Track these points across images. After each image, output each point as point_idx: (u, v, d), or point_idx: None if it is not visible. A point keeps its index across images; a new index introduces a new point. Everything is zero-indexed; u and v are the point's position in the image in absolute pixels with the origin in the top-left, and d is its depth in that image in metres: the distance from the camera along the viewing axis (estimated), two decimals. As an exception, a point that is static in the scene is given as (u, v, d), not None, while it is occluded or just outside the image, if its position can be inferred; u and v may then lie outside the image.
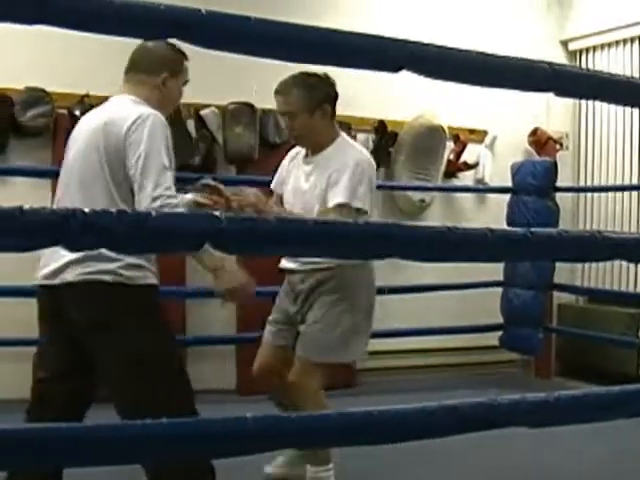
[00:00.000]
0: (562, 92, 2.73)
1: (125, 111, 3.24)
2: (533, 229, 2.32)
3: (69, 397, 3.26)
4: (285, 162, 4.41)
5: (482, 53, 2.42)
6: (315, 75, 4.07)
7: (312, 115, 4.04)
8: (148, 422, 1.97)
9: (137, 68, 3.42)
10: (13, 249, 1.88)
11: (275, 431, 2.06)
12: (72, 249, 1.87)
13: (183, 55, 3.42)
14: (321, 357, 4.03)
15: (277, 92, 4.12)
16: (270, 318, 4.33)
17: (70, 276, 3.10)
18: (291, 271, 4.17)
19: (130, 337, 3.08)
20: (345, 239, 1.99)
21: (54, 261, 3.14)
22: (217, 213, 1.93)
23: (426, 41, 2.33)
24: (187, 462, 2.65)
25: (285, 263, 4.18)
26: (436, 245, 2.16)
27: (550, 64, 2.55)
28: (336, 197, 3.95)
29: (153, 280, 3.22)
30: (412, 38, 2.31)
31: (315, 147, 4.15)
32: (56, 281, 3.14)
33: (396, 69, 2.22)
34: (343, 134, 4.27)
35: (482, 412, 2.30)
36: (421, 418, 2.25)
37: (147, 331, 3.14)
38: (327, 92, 4.12)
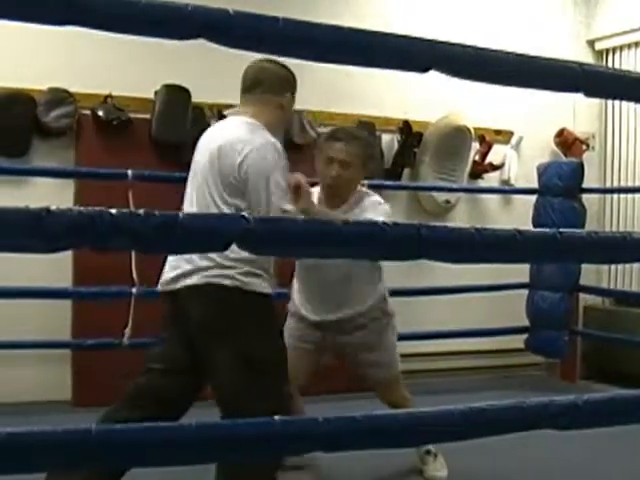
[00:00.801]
0: (592, 92, 2.72)
1: (244, 136, 3.36)
2: (562, 230, 2.31)
3: (177, 394, 3.39)
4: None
5: (511, 53, 2.42)
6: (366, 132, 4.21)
7: (362, 170, 4.18)
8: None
9: (262, 88, 3.50)
10: (39, 250, 1.89)
11: (304, 434, 2.07)
12: (99, 250, 1.88)
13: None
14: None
15: (339, 139, 4.16)
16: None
17: (191, 280, 3.26)
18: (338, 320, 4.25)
19: (246, 342, 3.19)
20: (374, 240, 1.99)
21: (176, 269, 3.33)
22: (245, 214, 1.94)
23: (451, 41, 2.34)
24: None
25: (326, 316, 4.24)
26: (465, 246, 2.16)
27: (580, 64, 2.55)
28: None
29: (269, 290, 3.31)
30: (437, 38, 2.32)
31: (338, 199, 4.20)
32: (177, 286, 3.32)
33: (424, 69, 2.23)
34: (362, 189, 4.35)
35: (511, 414, 2.30)
36: (450, 420, 2.25)
37: (261, 337, 3.25)
38: (374, 152, 4.28)
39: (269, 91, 3.49)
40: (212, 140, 3.50)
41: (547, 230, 2.37)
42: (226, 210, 3.24)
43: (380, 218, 3.82)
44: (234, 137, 3.37)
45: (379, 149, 6.86)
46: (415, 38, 2.20)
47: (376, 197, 4.29)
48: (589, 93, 2.68)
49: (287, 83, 3.55)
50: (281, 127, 3.58)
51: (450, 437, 2.35)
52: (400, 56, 2.19)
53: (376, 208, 4.13)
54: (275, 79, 3.52)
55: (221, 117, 6.46)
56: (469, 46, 2.32)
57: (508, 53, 2.41)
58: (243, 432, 2.02)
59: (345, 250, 2.08)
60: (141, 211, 1.86)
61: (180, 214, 1.87)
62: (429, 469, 4.54)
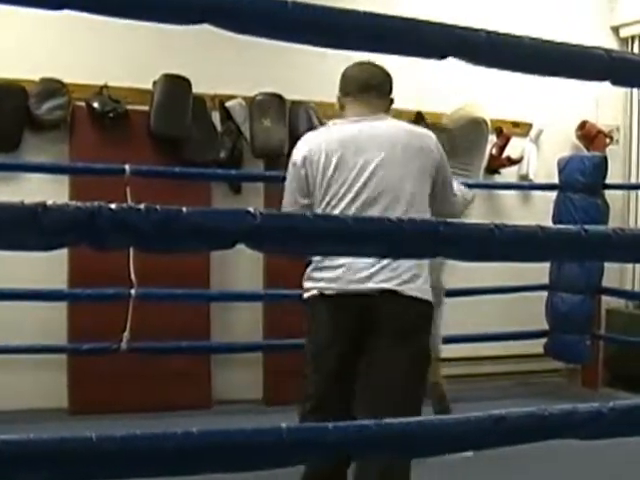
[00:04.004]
0: (619, 81, 2.70)
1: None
2: (587, 227, 2.30)
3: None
4: None
5: (534, 39, 2.39)
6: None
7: None
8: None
9: (381, 91, 3.75)
10: (35, 248, 1.88)
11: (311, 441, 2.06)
12: (98, 248, 1.87)
13: None
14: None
15: None
16: None
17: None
18: None
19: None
20: (389, 237, 1.98)
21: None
22: (251, 209, 1.93)
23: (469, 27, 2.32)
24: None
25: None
26: (484, 243, 2.15)
27: (607, 51, 2.53)
28: None
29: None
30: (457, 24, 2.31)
31: None
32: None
33: (441, 56, 2.21)
34: None
35: (532, 423, 2.28)
36: (467, 429, 2.24)
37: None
38: None
39: (386, 94, 3.79)
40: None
41: (571, 227, 2.36)
42: None
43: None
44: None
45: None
46: (433, 23, 2.18)
47: None
48: (617, 82, 2.66)
49: (391, 87, 3.83)
50: None
51: (468, 446, 2.34)
52: (415, 42, 2.17)
53: None
54: (387, 83, 3.82)
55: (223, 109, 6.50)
56: (490, 31, 2.30)
57: (531, 39, 2.39)
58: (251, 440, 2.02)
59: (357, 247, 2.07)
60: (142, 206, 1.85)
61: (183, 209, 1.86)
62: None
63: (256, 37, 2.07)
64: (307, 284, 3.66)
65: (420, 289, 3.52)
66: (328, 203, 3.58)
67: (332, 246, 2.06)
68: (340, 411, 3.46)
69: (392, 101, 3.80)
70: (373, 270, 3.45)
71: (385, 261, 3.41)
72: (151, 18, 1.95)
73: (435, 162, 3.62)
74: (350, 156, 3.59)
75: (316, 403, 3.66)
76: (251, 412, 6.08)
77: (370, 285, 3.48)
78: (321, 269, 3.56)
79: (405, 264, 3.44)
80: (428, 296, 3.58)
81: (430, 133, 3.74)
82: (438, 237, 2.04)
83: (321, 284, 3.59)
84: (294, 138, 6.55)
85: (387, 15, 2.15)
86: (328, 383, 3.65)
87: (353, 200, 3.55)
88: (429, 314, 3.63)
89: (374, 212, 3.47)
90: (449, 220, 2.14)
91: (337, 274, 3.51)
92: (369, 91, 3.71)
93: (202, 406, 6.23)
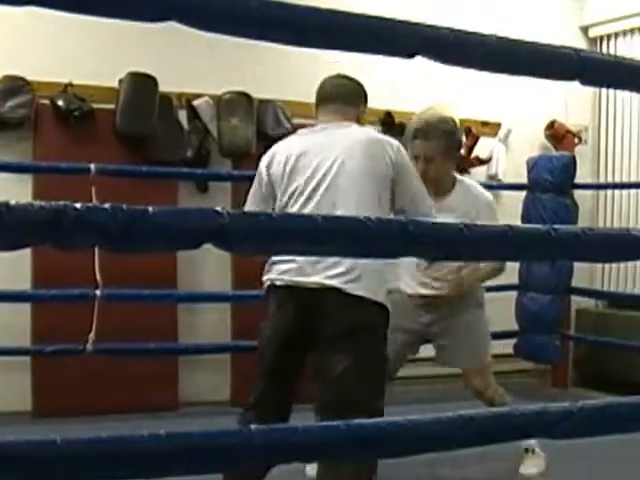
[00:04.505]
0: (588, 81, 2.72)
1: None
2: (556, 226, 2.31)
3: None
4: None
5: (502, 38, 2.41)
6: (452, 120, 4.65)
7: (446, 161, 4.57)
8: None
9: (348, 101, 4.00)
10: (-2, 248, 1.87)
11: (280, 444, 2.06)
12: (63, 248, 1.86)
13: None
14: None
15: (416, 137, 4.58)
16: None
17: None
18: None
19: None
20: (357, 237, 1.98)
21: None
22: (219, 208, 1.92)
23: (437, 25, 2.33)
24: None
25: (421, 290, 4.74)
26: (453, 243, 2.16)
27: (576, 50, 2.54)
28: None
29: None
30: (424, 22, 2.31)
31: (439, 190, 4.57)
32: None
33: (410, 54, 2.21)
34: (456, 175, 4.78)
35: (502, 423, 2.29)
36: (437, 429, 2.24)
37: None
38: (461, 140, 4.87)
39: (350, 104, 4.01)
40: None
41: (539, 226, 2.37)
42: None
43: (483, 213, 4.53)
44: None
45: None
46: (400, 21, 2.18)
47: (474, 185, 4.82)
48: (585, 82, 2.68)
49: (361, 97, 4.09)
50: None
51: (439, 447, 2.34)
52: (383, 40, 2.17)
53: (478, 199, 4.66)
54: (353, 93, 4.07)
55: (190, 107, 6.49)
56: (457, 30, 2.31)
57: (500, 38, 2.40)
58: (219, 442, 2.01)
59: (325, 246, 2.07)
60: (107, 206, 1.84)
61: (149, 209, 1.86)
62: (522, 466, 4.97)
63: (221, 34, 2.06)
64: (264, 276, 3.80)
65: (367, 289, 3.58)
66: (286, 204, 3.74)
67: (300, 245, 2.06)
68: (274, 410, 3.69)
69: (362, 111, 4.04)
70: (319, 266, 3.54)
71: (332, 259, 3.49)
72: (116, 15, 1.94)
73: (393, 168, 3.76)
74: (307, 161, 3.77)
75: (253, 401, 3.82)
76: (218, 414, 6.06)
77: (314, 279, 3.58)
78: (275, 262, 3.70)
79: (349, 263, 3.51)
80: (376, 297, 3.62)
81: (392, 141, 3.86)
82: (407, 237, 2.04)
83: (273, 275, 3.73)
84: (262, 137, 6.59)
85: (353, 13, 2.15)
86: (265, 380, 3.81)
87: (306, 202, 3.70)
88: (374, 314, 3.65)
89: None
90: (418, 220, 2.15)
91: (288, 267, 3.64)
92: (335, 101, 3.96)
93: (169, 408, 6.21)
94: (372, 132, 4.07)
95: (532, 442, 4.86)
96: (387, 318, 3.71)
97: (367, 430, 2.22)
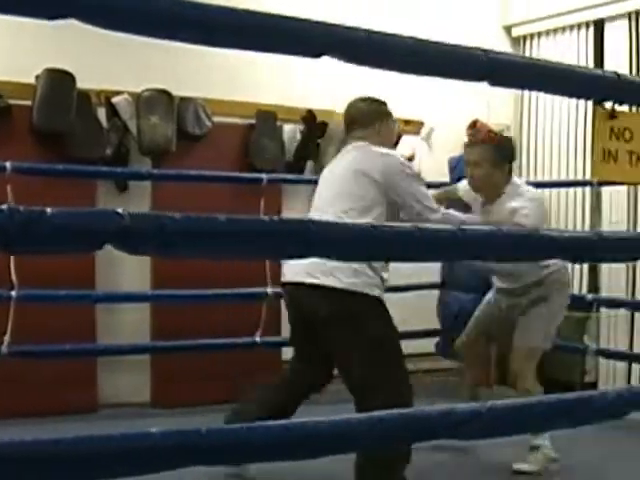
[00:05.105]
0: (497, 82, 2.75)
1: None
2: (464, 227, 2.33)
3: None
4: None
5: (412, 38, 2.42)
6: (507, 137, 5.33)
7: (496, 166, 4.99)
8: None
9: (363, 124, 4.64)
10: None
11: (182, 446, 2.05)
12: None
13: (384, 104, 4.81)
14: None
15: (467, 144, 5.27)
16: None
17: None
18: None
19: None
20: (259, 238, 1.98)
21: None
22: (119, 210, 1.91)
23: (353, 25, 2.33)
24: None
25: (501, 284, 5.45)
26: (361, 243, 2.16)
27: (485, 51, 2.57)
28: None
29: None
30: (338, 22, 2.31)
31: (490, 195, 5.09)
32: None
33: (317, 54, 2.22)
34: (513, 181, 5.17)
35: (409, 424, 2.31)
36: (346, 430, 2.25)
37: None
38: (512, 151, 5.24)
39: (362, 126, 4.65)
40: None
41: (448, 227, 2.39)
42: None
43: (524, 206, 4.81)
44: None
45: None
46: (307, 20, 2.18)
47: (527, 188, 5.16)
48: (494, 82, 2.70)
49: (375, 116, 4.71)
50: (385, 146, 4.64)
51: (345, 449, 2.35)
52: (291, 40, 2.17)
53: (523, 196, 4.96)
54: (365, 115, 4.69)
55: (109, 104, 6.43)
56: (367, 30, 2.32)
57: (409, 38, 2.42)
58: (114, 445, 2.00)
59: (229, 248, 2.07)
60: (4, 207, 1.82)
61: (47, 210, 1.84)
62: (518, 462, 5.12)
63: (122, 32, 2.05)
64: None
65: (340, 281, 4.15)
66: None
67: (203, 246, 2.05)
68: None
69: (382, 125, 4.68)
70: (302, 263, 3.96)
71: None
72: (13, 11, 1.92)
73: (381, 176, 4.34)
74: (322, 176, 4.71)
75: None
76: (138, 415, 6.03)
77: (297, 278, 4.29)
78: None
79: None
80: (355, 287, 4.17)
81: (385, 159, 4.45)
82: (309, 237, 2.05)
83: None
84: (182, 135, 6.56)
85: (260, 12, 2.15)
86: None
87: (311, 208, 4.63)
88: (348, 304, 4.21)
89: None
90: (321, 220, 2.15)
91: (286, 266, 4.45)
92: (353, 125, 4.66)
93: (88, 410, 6.16)
94: (371, 151, 4.51)
95: (540, 441, 5.01)
96: (371, 305, 4.28)
97: (273, 431, 2.22)
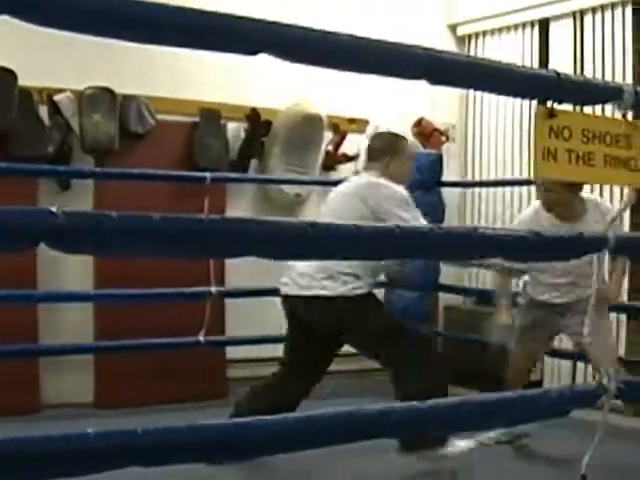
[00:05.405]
0: (437, 80, 2.76)
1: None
2: (402, 225, 2.34)
3: None
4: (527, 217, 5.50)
5: (351, 36, 2.43)
6: None
7: (563, 191, 5.16)
8: None
9: (374, 157, 5.20)
10: None
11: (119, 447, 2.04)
12: None
13: (403, 138, 5.37)
14: None
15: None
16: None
17: None
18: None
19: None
20: (194, 237, 1.98)
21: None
22: (53, 208, 1.90)
23: (291, 22, 2.33)
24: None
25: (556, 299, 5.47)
26: (296, 242, 2.16)
27: (425, 49, 2.58)
28: None
29: None
30: (276, 20, 2.31)
31: (566, 215, 5.27)
32: None
33: (253, 52, 2.21)
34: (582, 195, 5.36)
35: (345, 424, 2.31)
36: (282, 430, 2.25)
37: None
38: None
39: (372, 159, 5.23)
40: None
41: (387, 225, 2.40)
42: None
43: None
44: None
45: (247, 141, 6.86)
46: (243, 18, 2.18)
47: (597, 200, 5.49)
48: (433, 81, 2.72)
49: (385, 150, 5.20)
50: (395, 181, 5.04)
51: (281, 449, 2.35)
52: (226, 37, 2.17)
53: (599, 208, 5.25)
54: (376, 149, 5.27)
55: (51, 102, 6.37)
56: (304, 28, 2.32)
57: (348, 36, 2.42)
58: (53, 446, 1.99)
59: (164, 247, 2.06)
60: None
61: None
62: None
63: (64, 31, 2.03)
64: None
65: (331, 288, 4.78)
66: None
67: (138, 245, 2.04)
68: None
69: (390, 159, 5.12)
70: (301, 275, 4.87)
71: (307, 270, 4.82)
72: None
73: (369, 207, 4.82)
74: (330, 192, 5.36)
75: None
76: (81, 416, 5.98)
77: (294, 291, 4.92)
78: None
79: (311, 271, 4.82)
80: (350, 292, 4.79)
81: (373, 188, 4.94)
82: (248, 236, 2.05)
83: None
84: (125, 133, 6.52)
85: (198, 10, 2.14)
86: None
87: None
88: (346, 307, 4.82)
89: None
90: (260, 218, 2.15)
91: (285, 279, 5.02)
92: (367, 160, 5.31)
93: (31, 411, 6.10)
94: (367, 180, 5.07)
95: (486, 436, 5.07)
96: (365, 302, 4.88)
97: (212, 431, 2.22)
